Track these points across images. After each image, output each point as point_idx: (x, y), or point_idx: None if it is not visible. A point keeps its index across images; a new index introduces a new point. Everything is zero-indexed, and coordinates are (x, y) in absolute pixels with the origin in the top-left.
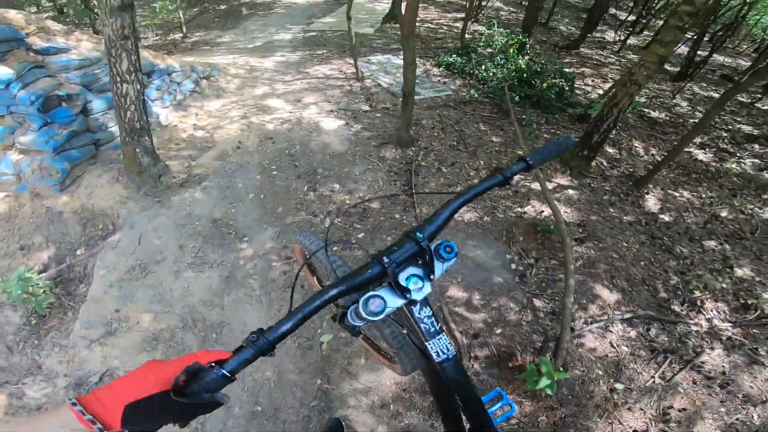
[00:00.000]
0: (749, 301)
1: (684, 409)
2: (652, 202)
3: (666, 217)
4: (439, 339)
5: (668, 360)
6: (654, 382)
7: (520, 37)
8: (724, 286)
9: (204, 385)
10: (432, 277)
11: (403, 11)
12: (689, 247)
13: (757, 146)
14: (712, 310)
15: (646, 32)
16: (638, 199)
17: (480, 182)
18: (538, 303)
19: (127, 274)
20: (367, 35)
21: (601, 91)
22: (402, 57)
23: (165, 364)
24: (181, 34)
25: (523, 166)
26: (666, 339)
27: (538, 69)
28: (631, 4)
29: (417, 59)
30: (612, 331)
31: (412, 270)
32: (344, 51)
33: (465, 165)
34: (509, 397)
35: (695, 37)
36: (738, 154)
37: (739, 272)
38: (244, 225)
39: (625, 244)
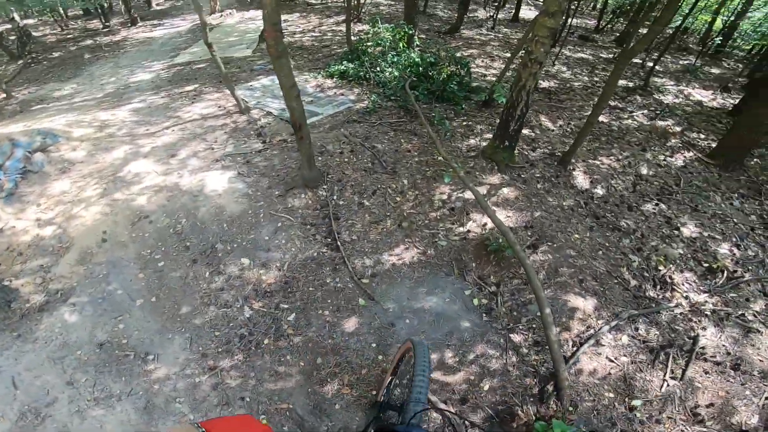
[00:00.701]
0: (713, 265)
1: (711, 404)
2: (581, 179)
3: (599, 190)
4: None
5: (670, 356)
6: (668, 385)
7: (406, 29)
8: (681, 252)
9: None
10: None
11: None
12: (632, 217)
13: (638, 98)
14: (683, 284)
15: (508, 5)
16: (568, 178)
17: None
18: (517, 338)
19: (21, 421)
20: (245, 58)
21: (494, 71)
22: None
23: (259, 425)
24: (3, 95)
25: None
26: (657, 332)
27: (432, 60)
28: None
29: (306, 73)
30: (604, 344)
31: None
32: (219, 81)
33: (388, 190)
34: None
35: None
36: (629, 109)
37: (686, 231)
38: (143, 341)
39: (576, 235)
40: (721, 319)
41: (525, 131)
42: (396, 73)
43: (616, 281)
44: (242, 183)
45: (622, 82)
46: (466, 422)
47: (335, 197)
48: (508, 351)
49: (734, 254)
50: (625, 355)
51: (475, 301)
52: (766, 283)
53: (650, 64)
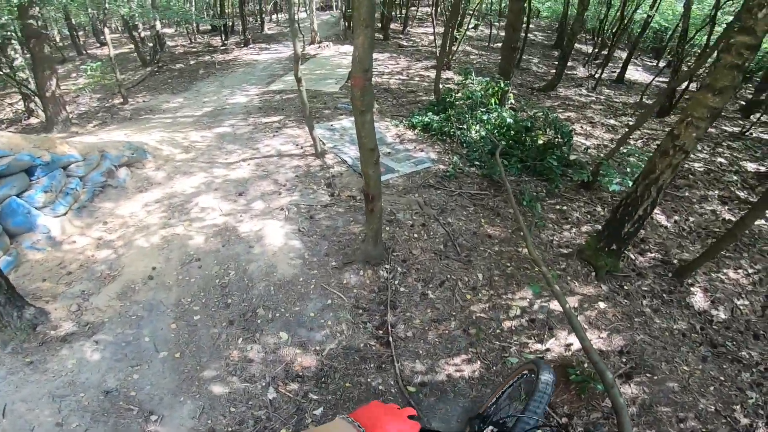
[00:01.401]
0: None
1: None
2: (699, 296)
3: (721, 313)
4: None
5: None
6: None
7: (501, 84)
8: None
9: None
10: None
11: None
12: (757, 347)
13: None
14: None
15: (611, 64)
16: (683, 295)
17: None
18: None
19: None
20: (332, 94)
21: (595, 141)
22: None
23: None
24: (120, 99)
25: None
26: None
27: (528, 124)
28: (591, 36)
29: (387, 120)
30: None
31: None
32: (302, 117)
33: (458, 283)
34: None
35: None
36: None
37: None
38: (152, 397)
39: (685, 367)
40: None
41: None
42: (483, 133)
43: (724, 421)
44: (300, 242)
45: (751, 165)
46: None
47: (397, 281)
48: None
49: None
50: None
51: None
52: None
53: None
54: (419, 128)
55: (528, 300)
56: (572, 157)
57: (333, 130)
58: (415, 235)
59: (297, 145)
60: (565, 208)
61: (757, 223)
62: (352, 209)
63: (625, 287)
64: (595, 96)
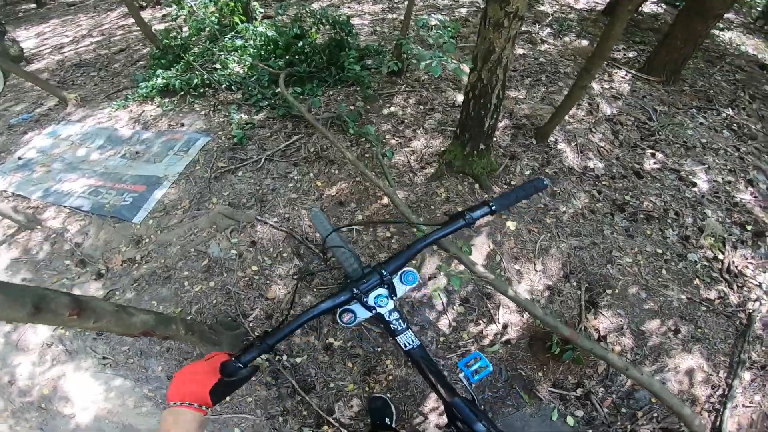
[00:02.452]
0: (755, 227)
1: None
2: (569, 153)
3: (597, 162)
4: (405, 334)
5: None
6: None
7: None
8: (719, 219)
9: (229, 372)
10: (394, 296)
11: None
12: (648, 188)
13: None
14: (748, 268)
15: None
16: (557, 158)
17: (443, 225)
18: None
19: None
20: None
21: (370, 17)
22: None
23: (205, 364)
24: None
25: (486, 210)
26: None
27: (297, 30)
28: None
29: (105, 105)
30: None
31: (379, 291)
32: None
33: None
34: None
35: None
36: (532, 31)
37: (702, 184)
38: None
39: (627, 258)
40: None
41: None
42: (248, 63)
43: (704, 306)
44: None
45: None
46: None
47: None
48: None
49: (755, 198)
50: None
51: (570, 421)
52: None
53: None
54: (157, 95)
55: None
56: (362, 47)
57: (28, 166)
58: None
59: None
60: (393, 109)
61: (542, 46)
62: (142, 286)
63: (513, 182)
64: None
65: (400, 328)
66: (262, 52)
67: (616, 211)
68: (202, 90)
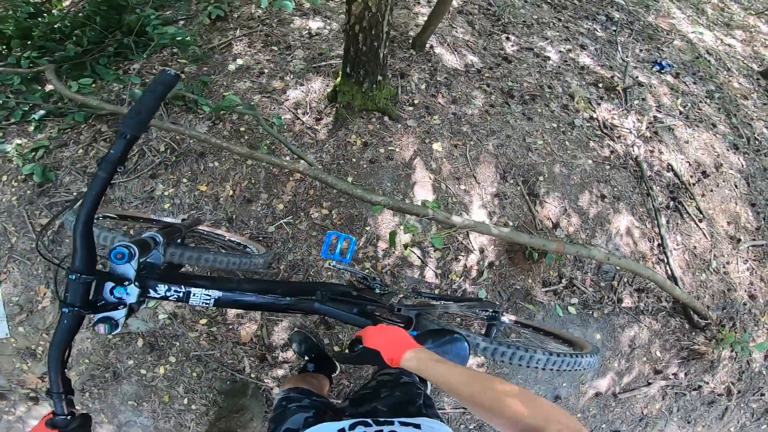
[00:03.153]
0: (608, 84)
1: None
2: (448, 55)
3: (472, 56)
4: (194, 296)
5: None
6: None
7: None
8: (578, 83)
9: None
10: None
11: None
12: (519, 71)
13: None
14: (615, 119)
15: None
16: (439, 64)
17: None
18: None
19: None
20: None
21: None
22: None
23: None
24: None
25: (123, 143)
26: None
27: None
28: None
29: None
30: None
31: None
32: None
33: None
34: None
35: None
36: None
37: (553, 56)
38: None
39: (539, 141)
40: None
41: None
42: None
43: (606, 165)
44: None
45: None
46: None
47: None
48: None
49: (592, 59)
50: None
51: (572, 310)
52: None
53: None
54: None
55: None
56: None
57: None
58: None
59: None
60: (240, 62)
61: None
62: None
63: (416, 102)
64: None
65: (182, 295)
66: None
67: (508, 99)
68: None
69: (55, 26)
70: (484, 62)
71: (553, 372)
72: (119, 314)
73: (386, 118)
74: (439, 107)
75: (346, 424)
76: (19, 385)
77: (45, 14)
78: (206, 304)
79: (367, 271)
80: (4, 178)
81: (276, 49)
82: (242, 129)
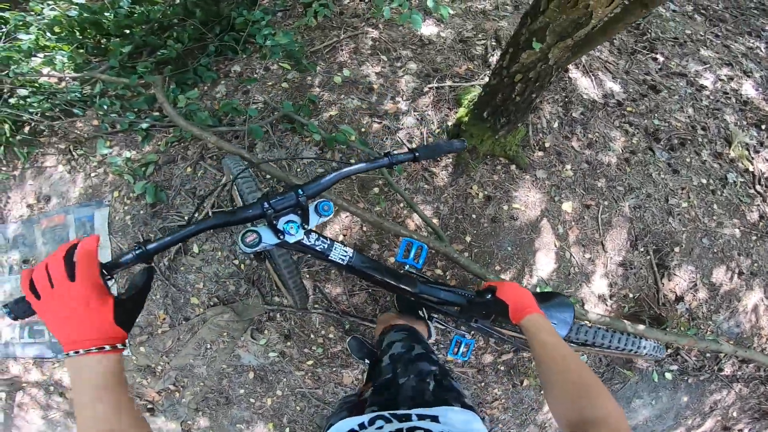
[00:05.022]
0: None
1: None
2: (585, 84)
3: (613, 84)
4: (335, 249)
5: None
6: None
7: None
8: (734, 119)
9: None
10: (306, 226)
11: None
12: (667, 103)
13: None
14: None
15: None
16: (566, 92)
17: (367, 160)
18: None
19: None
20: None
21: None
22: None
23: (75, 284)
24: None
25: (410, 156)
26: None
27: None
28: None
29: None
30: None
31: (291, 217)
32: None
33: None
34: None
35: None
36: None
37: (707, 83)
38: None
39: (683, 204)
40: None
41: None
42: (69, 66)
43: (753, 235)
44: None
45: None
46: None
47: None
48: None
49: (758, 90)
50: None
51: (668, 375)
52: None
53: None
54: None
55: None
56: None
57: None
58: None
59: None
60: (347, 73)
61: None
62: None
63: (547, 145)
64: None
65: (326, 246)
66: (83, 47)
67: (653, 143)
68: (19, 136)
69: (154, 21)
70: (627, 91)
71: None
72: (270, 240)
73: (513, 167)
74: (572, 153)
75: (366, 418)
76: (138, 396)
77: (145, 4)
78: (342, 260)
79: None
80: (116, 194)
81: (385, 59)
82: (352, 160)
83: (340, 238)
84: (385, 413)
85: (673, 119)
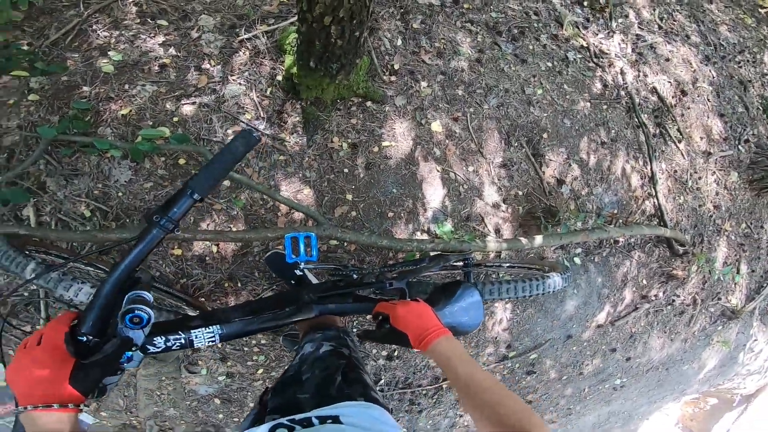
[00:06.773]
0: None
1: None
2: None
3: None
4: (197, 337)
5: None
6: None
7: None
8: (562, 5)
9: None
10: (134, 349)
11: None
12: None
13: None
14: (602, 43)
15: None
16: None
17: (133, 246)
18: None
19: None
20: None
21: None
22: None
23: (46, 339)
24: None
25: (189, 203)
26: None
27: None
28: None
29: None
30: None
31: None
32: None
33: None
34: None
35: None
36: None
37: None
38: None
39: (539, 90)
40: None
41: None
42: None
43: (603, 104)
44: None
45: None
46: None
47: None
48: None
49: None
50: None
51: (577, 260)
52: None
53: None
54: None
55: None
56: None
57: None
58: None
59: None
60: (118, 56)
61: None
62: None
63: (396, 68)
64: None
65: (185, 340)
66: None
67: (497, 36)
68: None
69: None
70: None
71: (530, 298)
72: (113, 378)
73: (369, 103)
74: (425, 68)
75: (265, 429)
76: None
77: None
78: (212, 341)
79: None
80: None
81: (165, 22)
82: (181, 161)
83: (213, 249)
84: (284, 420)
85: (508, 9)
